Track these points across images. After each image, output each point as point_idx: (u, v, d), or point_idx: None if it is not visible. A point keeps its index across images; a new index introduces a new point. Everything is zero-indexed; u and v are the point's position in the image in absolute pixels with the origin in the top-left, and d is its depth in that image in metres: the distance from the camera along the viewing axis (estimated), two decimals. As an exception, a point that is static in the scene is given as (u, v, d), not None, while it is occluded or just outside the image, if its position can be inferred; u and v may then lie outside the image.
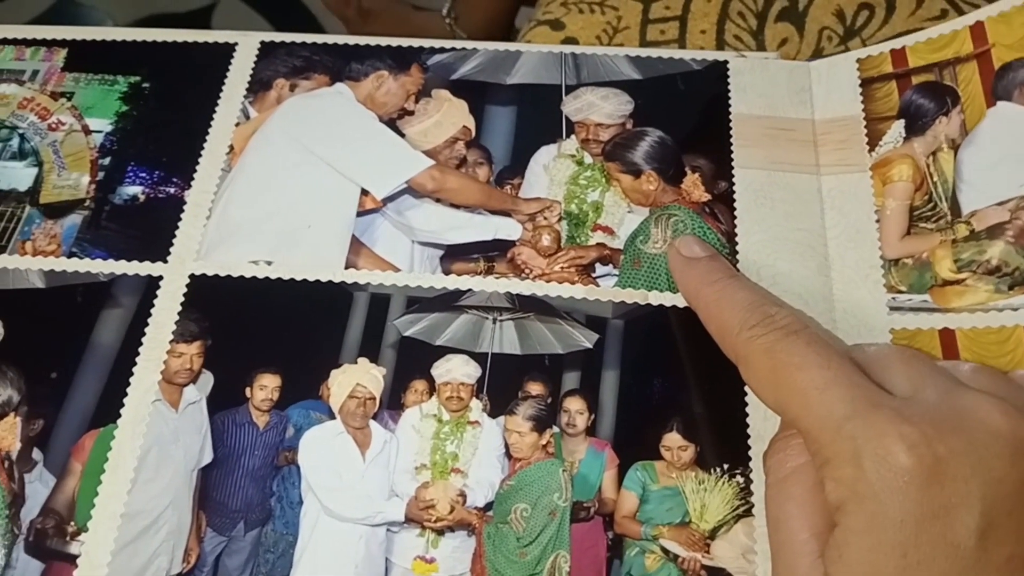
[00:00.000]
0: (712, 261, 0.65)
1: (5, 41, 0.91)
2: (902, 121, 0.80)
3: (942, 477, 0.40)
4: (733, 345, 0.56)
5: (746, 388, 0.69)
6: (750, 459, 0.67)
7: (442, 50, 0.88)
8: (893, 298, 0.74)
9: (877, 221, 0.77)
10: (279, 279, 0.75)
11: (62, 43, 0.90)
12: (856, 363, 0.49)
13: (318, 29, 2.13)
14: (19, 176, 0.83)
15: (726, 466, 0.67)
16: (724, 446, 0.68)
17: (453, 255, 0.81)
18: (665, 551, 0.68)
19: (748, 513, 0.65)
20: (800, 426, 0.48)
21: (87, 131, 0.85)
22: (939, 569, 0.40)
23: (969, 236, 0.75)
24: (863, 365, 0.50)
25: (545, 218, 0.81)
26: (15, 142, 0.85)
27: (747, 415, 0.68)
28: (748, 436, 0.67)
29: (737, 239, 0.76)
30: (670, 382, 0.73)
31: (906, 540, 0.40)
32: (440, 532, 0.71)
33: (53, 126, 0.85)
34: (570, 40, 0.94)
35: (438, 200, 0.82)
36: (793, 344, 0.50)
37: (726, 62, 0.85)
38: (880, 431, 0.42)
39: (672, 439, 0.70)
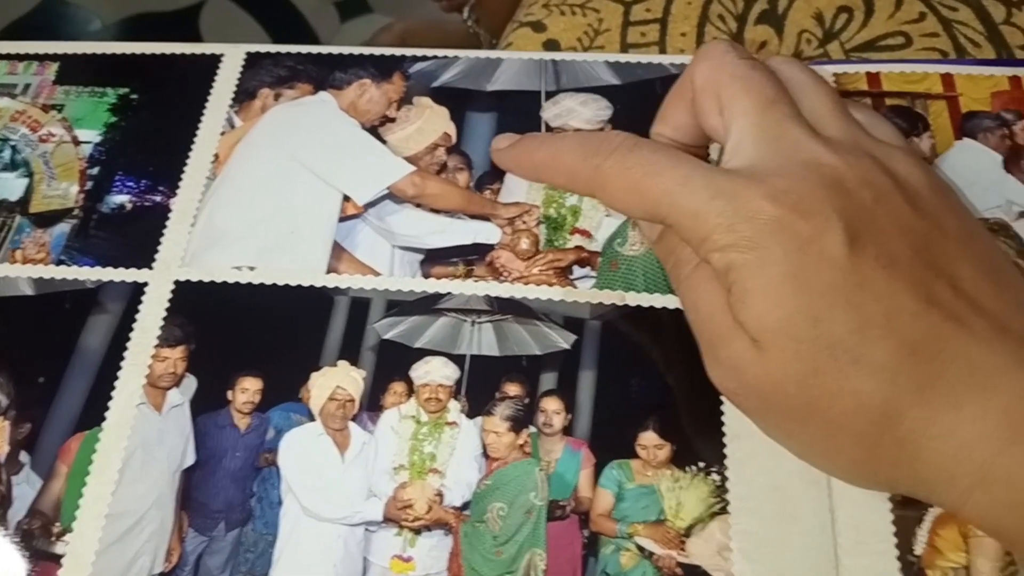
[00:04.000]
0: (529, 136, 0.70)
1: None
2: None
3: (805, 213, 0.48)
4: (587, 183, 0.61)
5: (722, 387, 0.70)
6: (725, 457, 0.68)
7: (424, 58, 0.89)
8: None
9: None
10: (261, 284, 0.77)
11: (54, 57, 0.92)
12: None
13: (306, 28, 2.11)
14: (10, 187, 0.85)
15: (702, 464, 0.68)
16: (700, 445, 0.69)
17: (433, 259, 0.82)
18: (640, 549, 0.68)
19: (723, 511, 0.66)
20: (673, 221, 0.54)
21: (76, 142, 0.87)
22: (825, 279, 0.47)
23: (941, 245, 0.78)
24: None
25: (524, 222, 0.82)
26: (7, 154, 0.87)
27: (722, 414, 0.69)
28: (723, 435, 0.68)
29: (714, 240, 0.77)
30: (647, 382, 0.73)
31: (794, 266, 0.48)
32: (417, 531, 0.72)
33: (44, 138, 0.87)
34: (551, 42, 0.95)
35: (419, 205, 0.83)
36: (640, 155, 0.57)
37: (704, 66, 0.86)
38: (743, 198, 0.50)
39: (648, 438, 0.71)
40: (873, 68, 0.84)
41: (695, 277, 0.58)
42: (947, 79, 0.84)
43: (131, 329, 0.75)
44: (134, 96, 0.89)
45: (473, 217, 0.83)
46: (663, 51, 0.95)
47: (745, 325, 0.53)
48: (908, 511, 0.64)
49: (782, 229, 0.48)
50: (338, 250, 0.80)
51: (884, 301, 0.47)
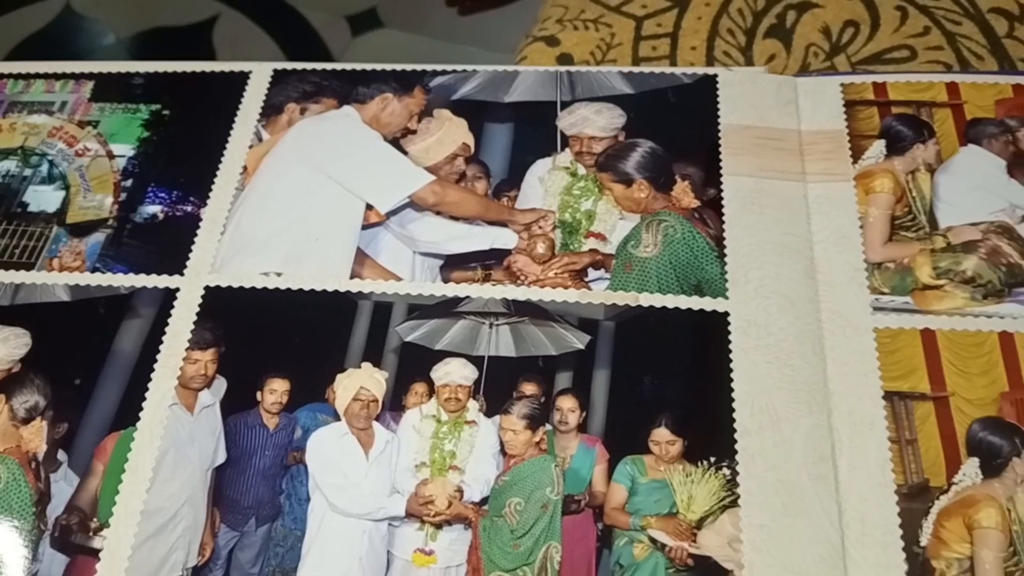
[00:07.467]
0: None
1: (38, 76, 0.97)
2: (883, 140, 0.86)
3: None
4: None
5: (733, 384, 0.71)
6: (736, 452, 0.69)
7: (443, 72, 0.92)
8: (876, 299, 0.78)
9: (861, 227, 0.81)
10: (288, 289, 0.80)
11: (89, 76, 0.97)
12: None
13: (318, 41, 2.07)
14: (48, 199, 0.89)
15: (713, 459, 0.70)
16: (711, 440, 0.71)
17: (452, 264, 0.85)
18: (653, 541, 0.71)
19: (734, 504, 0.68)
20: None
21: (111, 156, 0.90)
22: None
23: (946, 248, 0.81)
24: None
25: (540, 227, 0.84)
26: (45, 168, 0.91)
27: (734, 411, 0.71)
28: (735, 431, 0.70)
29: (726, 243, 0.79)
30: (659, 380, 0.76)
31: None
32: (438, 526, 0.74)
33: (80, 152, 0.91)
34: (565, 56, 0.98)
35: (439, 213, 0.86)
36: None
37: (715, 76, 0.89)
38: None
39: (661, 434, 0.73)
40: (879, 78, 0.87)
41: None
42: (952, 87, 0.86)
43: (163, 333, 0.78)
44: (166, 112, 0.93)
45: (491, 223, 0.86)
46: (674, 64, 0.98)
47: None
48: (914, 503, 0.66)
49: None
50: (361, 256, 0.83)
51: None
